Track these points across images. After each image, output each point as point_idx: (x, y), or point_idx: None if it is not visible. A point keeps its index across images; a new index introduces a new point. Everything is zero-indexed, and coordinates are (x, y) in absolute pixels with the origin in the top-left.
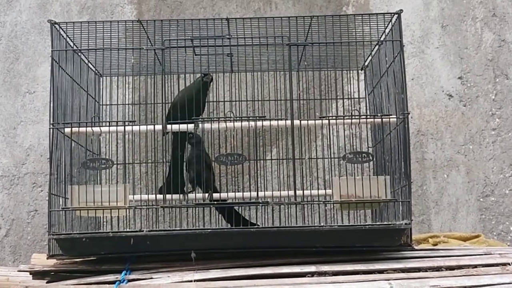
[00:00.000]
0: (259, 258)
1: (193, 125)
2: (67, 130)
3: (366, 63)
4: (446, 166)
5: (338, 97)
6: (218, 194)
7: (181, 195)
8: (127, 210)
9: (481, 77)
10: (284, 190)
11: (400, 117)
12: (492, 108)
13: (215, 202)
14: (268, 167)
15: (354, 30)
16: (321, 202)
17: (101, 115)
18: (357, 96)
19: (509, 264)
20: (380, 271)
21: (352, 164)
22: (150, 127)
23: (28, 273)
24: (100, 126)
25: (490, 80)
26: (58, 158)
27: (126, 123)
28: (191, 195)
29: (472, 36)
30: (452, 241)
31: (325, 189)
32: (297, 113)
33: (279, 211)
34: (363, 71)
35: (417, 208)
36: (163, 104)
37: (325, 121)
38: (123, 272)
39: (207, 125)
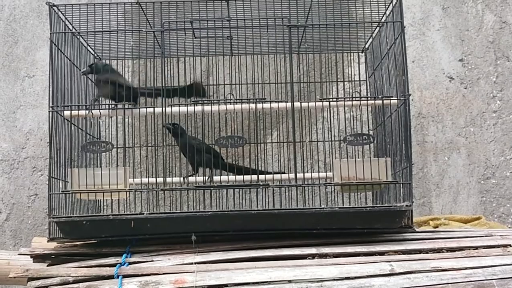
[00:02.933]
0: (260, 240)
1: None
2: (67, 113)
3: (367, 45)
4: (447, 149)
5: (339, 80)
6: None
7: (181, 178)
8: (127, 193)
9: (482, 59)
10: (284, 173)
11: (401, 99)
12: (493, 90)
13: (215, 185)
14: (268, 150)
15: (354, 12)
16: (322, 185)
17: (100, 98)
18: (357, 79)
19: (510, 245)
20: (381, 253)
21: (353, 147)
22: (150, 110)
23: (29, 256)
24: (99, 109)
25: (491, 62)
26: (58, 141)
27: (126, 106)
28: (192, 178)
29: (473, 18)
30: (453, 223)
31: (325, 171)
32: (298, 96)
33: (280, 194)
34: (363, 53)
35: (418, 191)
36: (163, 88)
37: (326, 103)
38: (124, 255)
39: (207, 108)
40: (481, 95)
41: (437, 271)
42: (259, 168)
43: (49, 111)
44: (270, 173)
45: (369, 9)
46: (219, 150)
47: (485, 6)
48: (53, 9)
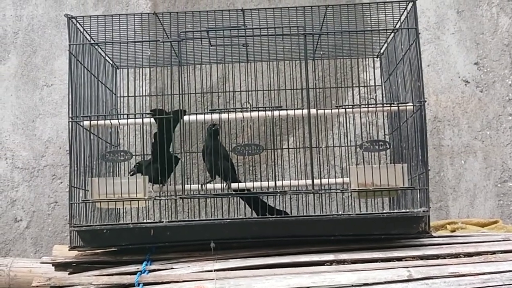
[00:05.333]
0: (278, 247)
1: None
2: (86, 123)
3: (382, 51)
4: (463, 152)
5: (354, 85)
6: (241, 184)
7: (199, 185)
8: (147, 201)
9: (498, 63)
10: (301, 179)
11: (417, 105)
12: (509, 93)
13: (233, 192)
14: (285, 156)
15: (369, 18)
16: (339, 191)
17: (118, 107)
18: (373, 84)
19: None
20: (399, 259)
21: (369, 152)
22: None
23: (50, 264)
24: (118, 119)
25: (507, 65)
26: (77, 150)
27: (144, 115)
28: (209, 186)
29: (488, 21)
30: (470, 227)
31: (342, 177)
32: (313, 101)
33: (297, 200)
34: (378, 58)
35: (435, 195)
36: (180, 95)
37: (342, 110)
38: (144, 263)
39: (224, 116)
40: (497, 98)
41: (455, 276)
42: (276, 173)
43: (68, 122)
44: (265, 193)
45: (384, 15)
46: (236, 158)
47: (500, 9)
48: (72, 21)
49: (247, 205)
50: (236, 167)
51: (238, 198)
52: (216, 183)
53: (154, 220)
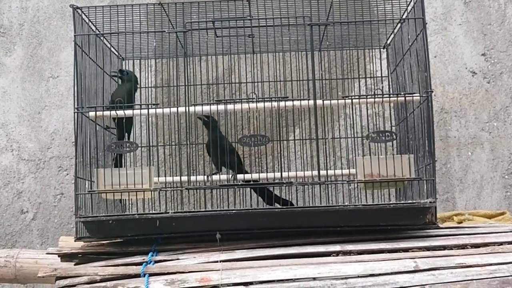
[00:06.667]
0: (284, 238)
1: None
2: (91, 114)
3: (389, 42)
4: (470, 144)
5: (361, 76)
6: (249, 175)
7: (205, 177)
8: (152, 192)
9: (505, 53)
10: (307, 170)
11: (424, 95)
12: None
13: (239, 183)
14: (291, 147)
15: (376, 9)
16: (345, 182)
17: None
18: (379, 75)
19: None
20: (405, 250)
21: (376, 143)
22: (174, 109)
23: (56, 255)
24: (124, 110)
25: None
26: (83, 142)
27: (150, 106)
28: (215, 177)
29: (496, 12)
30: (477, 218)
31: (348, 168)
32: (320, 93)
33: (303, 191)
34: (385, 49)
35: (442, 186)
36: (186, 87)
37: (348, 101)
38: (150, 254)
39: (230, 107)
40: (504, 89)
41: (462, 267)
42: (282, 165)
43: (74, 113)
44: (271, 183)
45: (391, 5)
46: (243, 149)
47: (508, 0)
48: (77, 11)
49: (253, 195)
50: (242, 158)
51: (244, 189)
52: (222, 174)
53: (160, 211)
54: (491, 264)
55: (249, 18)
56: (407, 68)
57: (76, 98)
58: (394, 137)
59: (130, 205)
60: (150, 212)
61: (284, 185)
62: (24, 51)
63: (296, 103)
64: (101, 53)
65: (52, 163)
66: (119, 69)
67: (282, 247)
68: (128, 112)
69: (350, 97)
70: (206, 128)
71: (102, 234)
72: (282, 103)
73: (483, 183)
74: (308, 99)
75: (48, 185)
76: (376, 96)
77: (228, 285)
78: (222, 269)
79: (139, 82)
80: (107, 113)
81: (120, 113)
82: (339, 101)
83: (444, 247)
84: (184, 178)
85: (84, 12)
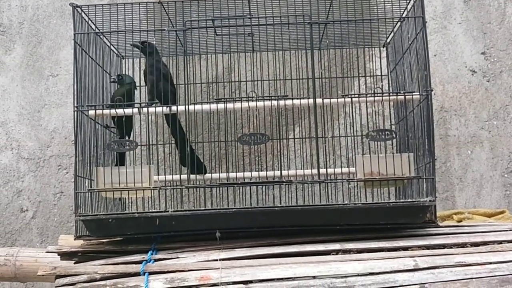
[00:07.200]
0: (284, 236)
1: None
2: (91, 112)
3: (388, 40)
4: (470, 142)
5: (361, 75)
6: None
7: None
8: (152, 191)
9: (505, 52)
10: (307, 169)
11: (423, 94)
12: None
13: (239, 182)
14: (291, 146)
15: (375, 7)
16: (345, 180)
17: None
18: (379, 74)
19: None
20: (405, 248)
21: (375, 142)
22: (173, 108)
23: (56, 254)
24: (123, 108)
25: None
26: (83, 140)
27: (149, 105)
28: (215, 175)
29: (495, 10)
30: (477, 217)
31: (348, 167)
32: (319, 91)
33: (303, 190)
34: (385, 48)
35: (441, 185)
36: (186, 85)
37: (348, 99)
38: (149, 252)
39: (230, 105)
40: (504, 88)
41: (462, 266)
42: (282, 163)
43: (74, 111)
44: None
45: (390, 3)
46: (242, 147)
47: None
48: (77, 10)
49: (253, 195)
50: (242, 157)
51: (244, 188)
52: (215, 173)
53: (159, 209)
54: (490, 263)
55: (249, 16)
56: (407, 66)
57: (75, 97)
58: (394, 135)
59: (130, 204)
60: (150, 210)
61: (284, 183)
62: (23, 49)
63: (296, 101)
64: (100, 52)
65: (51, 162)
66: (118, 74)
67: (281, 246)
68: (128, 111)
69: (350, 96)
70: (144, 55)
71: (101, 232)
72: (282, 102)
73: (482, 182)
74: (308, 98)
75: (48, 184)
76: (376, 94)
77: (228, 283)
78: (222, 267)
79: (137, 84)
80: (106, 111)
81: (120, 111)
82: (339, 99)
83: (443, 246)
84: (184, 176)
85: (84, 10)
